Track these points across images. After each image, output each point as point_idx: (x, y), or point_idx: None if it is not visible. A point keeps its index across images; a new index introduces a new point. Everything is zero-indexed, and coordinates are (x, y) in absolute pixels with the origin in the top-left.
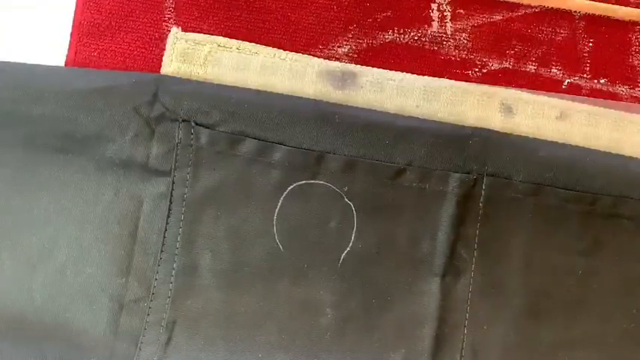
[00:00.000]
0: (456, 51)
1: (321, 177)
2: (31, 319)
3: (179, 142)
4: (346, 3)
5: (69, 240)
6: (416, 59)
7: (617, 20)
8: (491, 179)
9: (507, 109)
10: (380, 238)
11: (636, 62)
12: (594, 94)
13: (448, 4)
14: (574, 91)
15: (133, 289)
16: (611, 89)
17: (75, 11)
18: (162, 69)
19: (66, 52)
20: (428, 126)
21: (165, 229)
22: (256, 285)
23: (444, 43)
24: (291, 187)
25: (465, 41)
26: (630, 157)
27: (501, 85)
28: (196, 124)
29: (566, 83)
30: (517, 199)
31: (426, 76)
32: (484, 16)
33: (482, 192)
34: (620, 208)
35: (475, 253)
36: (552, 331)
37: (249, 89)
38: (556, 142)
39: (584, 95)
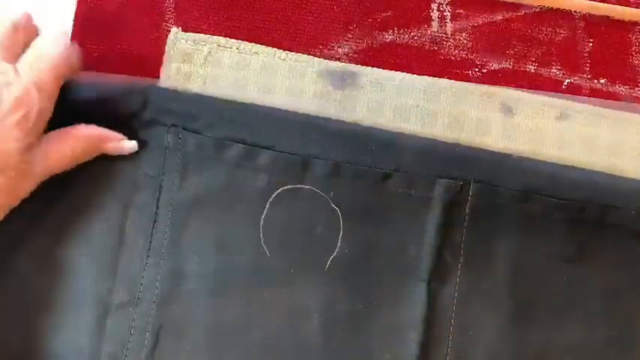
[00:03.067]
0: (456, 51)
1: (307, 182)
2: None
3: (167, 146)
4: (346, 3)
5: None
6: (416, 59)
7: (617, 20)
8: (478, 185)
9: (507, 109)
10: (366, 244)
11: (636, 62)
12: (594, 94)
13: (448, 4)
14: (574, 91)
15: (119, 294)
16: (611, 89)
17: (75, 11)
18: (162, 69)
19: None
20: (415, 138)
21: (152, 234)
22: (242, 290)
23: (444, 43)
24: (278, 191)
25: (465, 41)
26: (615, 175)
27: (501, 85)
28: (184, 128)
29: (566, 83)
30: (503, 205)
31: (426, 76)
32: (484, 16)
33: (469, 198)
34: (606, 217)
35: (461, 259)
36: (538, 338)
37: (235, 101)
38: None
39: (584, 95)
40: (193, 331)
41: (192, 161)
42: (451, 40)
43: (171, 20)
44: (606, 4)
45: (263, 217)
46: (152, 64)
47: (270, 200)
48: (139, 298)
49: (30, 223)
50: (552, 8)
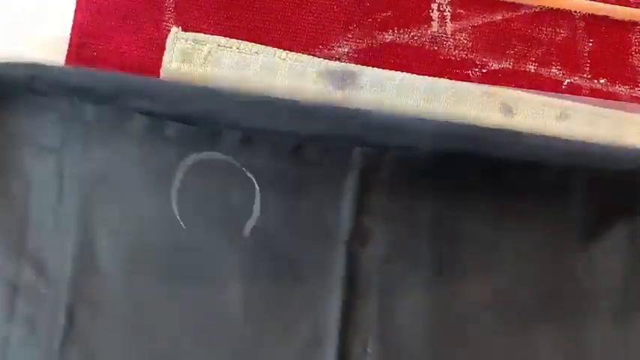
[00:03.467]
0: (456, 51)
1: (219, 151)
2: None
3: (66, 117)
4: (346, 3)
5: None
6: (416, 59)
7: (617, 20)
8: (395, 151)
9: (507, 109)
10: (284, 212)
11: (636, 62)
12: (594, 94)
13: (448, 4)
14: (574, 91)
15: (27, 273)
16: (611, 89)
17: (75, 11)
18: (162, 69)
19: (65, 52)
20: (330, 107)
21: (58, 210)
22: (158, 265)
23: (444, 43)
24: (189, 162)
25: (465, 41)
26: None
27: (501, 85)
28: (82, 99)
29: (566, 83)
30: (423, 168)
31: (426, 76)
32: (484, 16)
33: (386, 164)
34: (528, 175)
35: (381, 222)
36: (463, 296)
37: (133, 75)
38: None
39: (584, 95)
40: (110, 310)
41: (95, 132)
42: (451, 40)
43: (171, 20)
44: (606, 4)
45: (175, 189)
46: (152, 64)
47: (181, 171)
48: (49, 277)
49: None
50: (552, 8)
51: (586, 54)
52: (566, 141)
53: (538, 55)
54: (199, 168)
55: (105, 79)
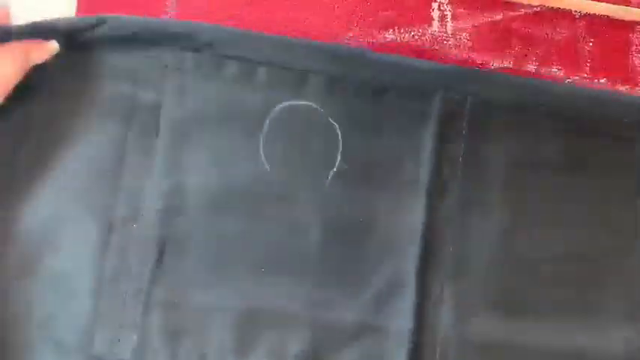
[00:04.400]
0: (457, 50)
1: (304, 97)
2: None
3: (166, 66)
4: (347, 2)
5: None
6: (416, 58)
7: (617, 20)
8: (475, 98)
9: None
10: (365, 158)
11: (636, 62)
12: None
13: (449, 3)
14: None
15: (122, 209)
16: (611, 89)
17: (76, 6)
18: None
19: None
20: (410, 58)
21: (152, 151)
22: (243, 205)
23: (445, 42)
24: (276, 107)
25: (466, 40)
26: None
27: None
28: (182, 48)
29: (566, 82)
30: (500, 118)
31: None
32: (484, 16)
33: (466, 111)
34: (601, 127)
35: (459, 173)
36: (534, 247)
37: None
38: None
39: None
40: (196, 245)
41: (191, 80)
42: (452, 39)
43: (173, 18)
44: (606, 4)
45: (262, 133)
46: None
47: (269, 116)
48: (141, 215)
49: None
50: (552, 8)
51: (586, 53)
52: (632, 96)
53: (538, 54)
54: (286, 115)
55: (202, 28)
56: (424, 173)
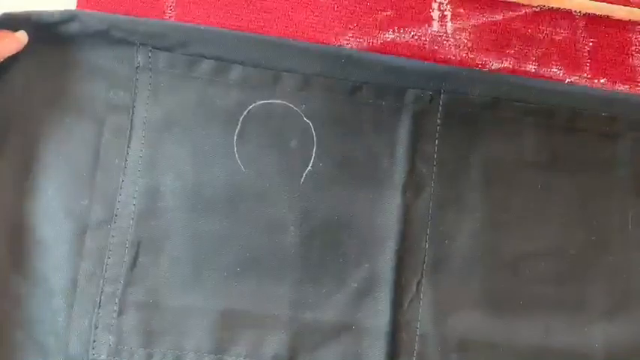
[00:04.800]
0: (456, 50)
1: (278, 96)
2: None
3: (138, 65)
4: (347, 2)
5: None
6: (416, 58)
7: (617, 20)
8: (448, 95)
9: None
10: (340, 156)
11: (636, 62)
12: None
13: (448, 3)
14: None
15: (96, 211)
16: (611, 89)
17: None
18: None
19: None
20: (383, 55)
21: (127, 152)
22: (219, 205)
23: (445, 42)
24: (250, 107)
25: (465, 40)
26: (582, 85)
27: None
28: (154, 47)
29: (566, 82)
30: (474, 113)
31: None
32: (484, 16)
33: (440, 107)
34: (577, 122)
35: (434, 169)
36: (513, 244)
37: (201, 26)
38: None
39: None
40: (172, 246)
41: (164, 79)
42: (451, 39)
43: (172, 20)
44: (606, 4)
45: (236, 132)
46: None
47: (243, 116)
48: (116, 215)
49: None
50: (552, 8)
51: (586, 53)
52: (609, 91)
53: (538, 54)
54: (260, 114)
55: (176, 27)
56: (399, 170)
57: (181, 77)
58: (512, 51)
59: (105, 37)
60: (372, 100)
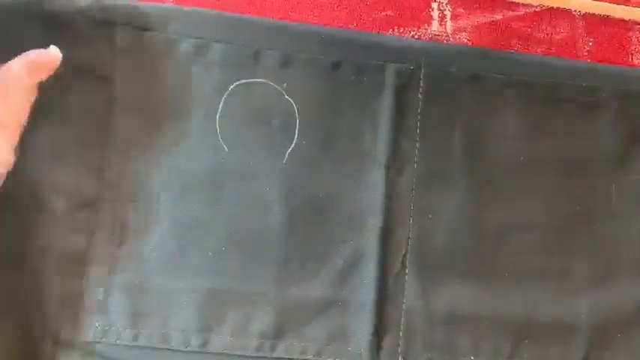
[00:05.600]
0: None
1: (260, 75)
2: None
3: (117, 45)
4: (347, 2)
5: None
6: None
7: (617, 20)
8: (429, 69)
9: None
10: (323, 133)
11: (636, 62)
12: None
13: (448, 3)
14: None
15: (86, 190)
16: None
17: None
18: None
19: None
20: (363, 33)
21: (108, 142)
22: (203, 186)
23: (444, 42)
24: (232, 86)
25: (466, 40)
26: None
27: None
28: (133, 28)
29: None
30: (456, 87)
31: None
32: (485, 16)
33: (421, 82)
34: (558, 92)
35: (417, 144)
36: (497, 216)
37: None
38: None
39: None
40: (157, 227)
41: (144, 60)
42: (451, 39)
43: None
44: (606, 4)
45: (218, 112)
46: None
47: (224, 96)
48: (104, 196)
49: None
50: (552, 7)
51: (586, 53)
52: (590, 62)
53: (538, 54)
54: (241, 92)
55: (156, 7)
56: (382, 146)
57: (162, 57)
58: (512, 50)
59: (85, 16)
60: (353, 76)
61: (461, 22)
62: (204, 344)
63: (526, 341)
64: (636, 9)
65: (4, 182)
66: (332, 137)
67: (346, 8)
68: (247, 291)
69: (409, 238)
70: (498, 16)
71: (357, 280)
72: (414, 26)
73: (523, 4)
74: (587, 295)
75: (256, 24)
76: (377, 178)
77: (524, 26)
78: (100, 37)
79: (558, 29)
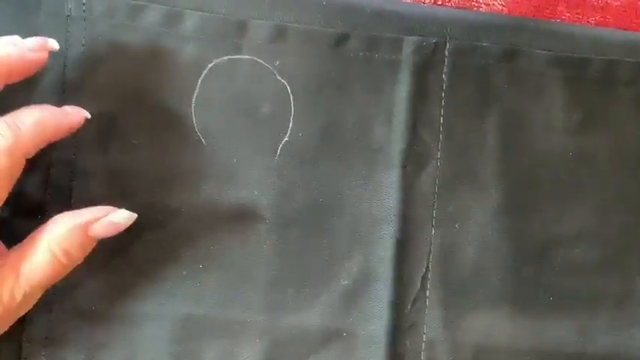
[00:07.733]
0: None
1: (245, 50)
2: None
3: (69, 14)
4: None
5: None
6: None
7: None
8: (456, 43)
9: None
10: (324, 123)
11: None
12: None
13: None
14: None
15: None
16: None
17: None
18: None
19: None
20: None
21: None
22: (178, 188)
23: (475, 9)
24: (210, 65)
25: (500, 7)
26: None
27: None
28: None
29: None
30: (488, 66)
31: None
32: None
33: (445, 60)
34: (615, 73)
35: (441, 137)
36: (540, 227)
37: None
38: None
39: None
40: (118, 239)
41: (102, 31)
42: (483, 6)
43: None
44: None
45: (194, 97)
46: None
47: (202, 76)
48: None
49: None
50: None
51: None
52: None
53: (591, 24)
54: (223, 73)
55: None
56: (397, 140)
57: (123, 28)
58: (559, 20)
59: None
60: (362, 52)
61: None
62: None
63: None
64: None
65: None
66: (334, 128)
67: None
68: (230, 319)
69: (430, 253)
70: None
71: (366, 306)
72: None
73: None
74: None
75: None
76: (391, 179)
77: None
78: (47, 5)
79: None
